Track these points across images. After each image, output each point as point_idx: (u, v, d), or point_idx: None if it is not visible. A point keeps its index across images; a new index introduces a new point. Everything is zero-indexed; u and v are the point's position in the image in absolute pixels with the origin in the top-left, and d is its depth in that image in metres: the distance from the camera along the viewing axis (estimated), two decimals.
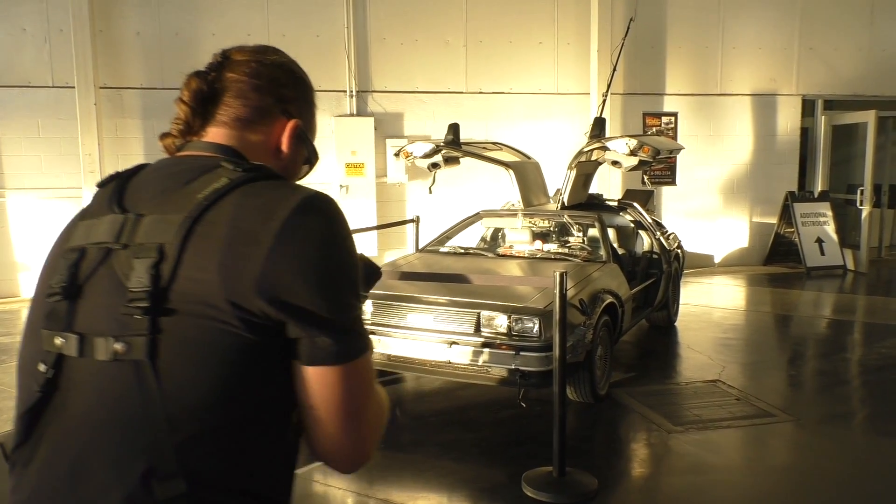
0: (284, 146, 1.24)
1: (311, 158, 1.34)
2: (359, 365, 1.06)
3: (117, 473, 0.97)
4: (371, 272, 1.25)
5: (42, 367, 1.04)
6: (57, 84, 8.52)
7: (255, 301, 0.99)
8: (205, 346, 0.98)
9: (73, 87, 8.38)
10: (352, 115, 9.29)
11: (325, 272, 1.03)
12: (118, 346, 0.99)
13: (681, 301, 7.36)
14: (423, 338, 4.61)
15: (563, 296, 3.65)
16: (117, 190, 1.13)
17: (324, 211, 1.07)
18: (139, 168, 1.18)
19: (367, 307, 4.83)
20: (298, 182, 1.28)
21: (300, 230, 1.03)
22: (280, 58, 1.28)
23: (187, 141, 1.20)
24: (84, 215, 1.15)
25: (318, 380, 1.04)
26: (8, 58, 8.44)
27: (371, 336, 4.41)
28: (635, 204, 6.97)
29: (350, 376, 1.05)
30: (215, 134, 1.19)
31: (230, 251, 1.00)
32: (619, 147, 5.86)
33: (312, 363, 1.03)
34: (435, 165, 6.64)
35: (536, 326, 4.38)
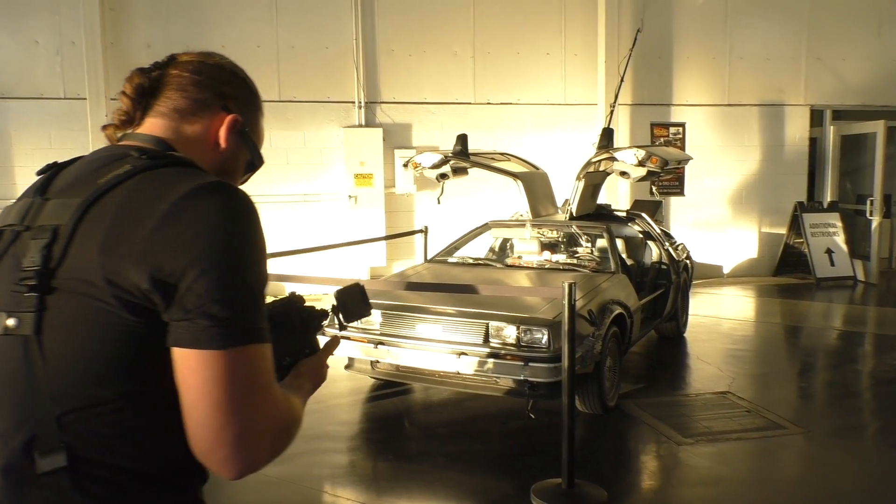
0: (222, 140, 1.24)
1: (254, 162, 1.33)
2: (236, 356, 0.99)
3: (1, 443, 1.04)
4: (309, 316, 1.26)
5: None
6: (69, 96, 8.59)
7: (130, 279, 0.99)
8: (84, 323, 1.01)
9: (85, 99, 8.45)
10: (360, 126, 9.33)
11: (207, 253, 0.99)
12: (10, 322, 1.04)
13: (690, 312, 7.33)
14: (431, 348, 4.61)
15: (571, 306, 3.64)
16: (48, 178, 1.17)
17: (220, 195, 1.04)
18: (76, 159, 1.22)
19: (377, 317, 4.84)
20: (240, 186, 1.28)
21: (188, 211, 1.01)
22: (224, 60, 1.30)
23: (127, 132, 1.23)
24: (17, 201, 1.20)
25: (181, 363, 1.00)
26: (20, 70, 8.53)
27: (380, 346, 4.35)
28: (644, 214, 6.96)
29: (220, 365, 0.98)
30: (152, 125, 1.22)
31: (113, 231, 1.02)
32: (628, 158, 5.86)
33: (175, 344, 1.00)
34: (443, 176, 6.66)
35: (545, 337, 4.37)
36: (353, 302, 1.45)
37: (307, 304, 1.31)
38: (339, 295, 1.45)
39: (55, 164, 1.21)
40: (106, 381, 1.01)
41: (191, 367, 0.99)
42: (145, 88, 1.23)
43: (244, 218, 1.05)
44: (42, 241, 1.05)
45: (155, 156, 1.12)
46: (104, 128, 1.26)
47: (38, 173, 1.21)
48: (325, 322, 1.34)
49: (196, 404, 0.99)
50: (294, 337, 1.26)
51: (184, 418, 1.01)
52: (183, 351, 0.99)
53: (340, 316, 1.44)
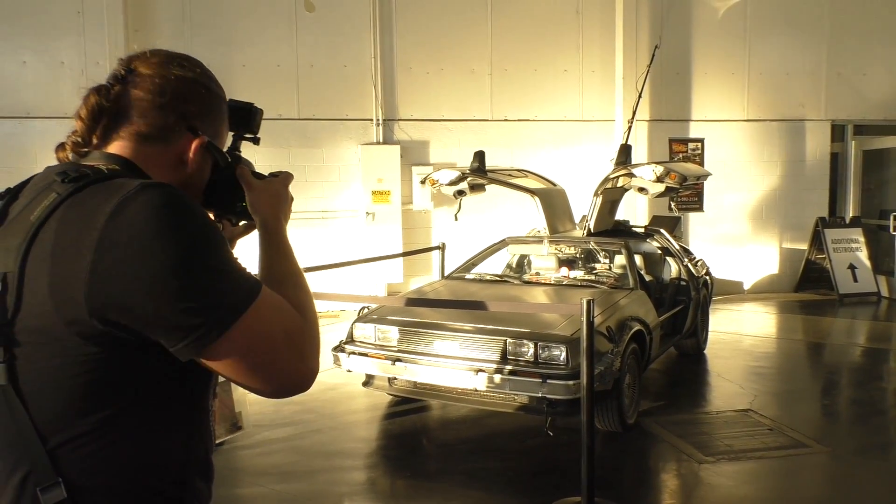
0: (189, 162, 1.22)
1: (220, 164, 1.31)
2: (238, 332, 1.02)
3: (2, 484, 1.05)
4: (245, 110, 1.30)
5: None
6: None
7: (87, 318, 0.99)
8: (54, 364, 1.02)
9: None
10: (378, 143, 9.39)
11: (154, 270, 0.98)
12: None
13: (710, 328, 7.26)
14: (449, 365, 4.60)
15: (590, 323, 3.62)
16: (2, 209, 1.12)
17: (143, 205, 1.01)
18: (29, 179, 1.18)
19: (394, 334, 4.84)
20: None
21: (119, 234, 0.99)
22: (186, 71, 1.23)
23: (82, 153, 1.18)
24: None
25: (212, 363, 1.05)
26: (46, 90, 8.69)
27: (398, 363, 4.36)
28: (662, 230, 6.92)
29: (230, 349, 1.03)
30: (114, 146, 1.18)
31: (56, 270, 1.00)
32: (646, 173, 5.85)
33: (196, 355, 1.03)
34: (461, 193, 6.68)
35: (563, 354, 4.35)
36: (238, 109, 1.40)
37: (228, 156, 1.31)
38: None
39: (7, 190, 1.17)
40: (88, 410, 1.03)
41: (213, 363, 1.05)
42: (104, 109, 1.17)
43: (175, 213, 1.03)
44: None
45: (74, 178, 1.07)
46: (57, 149, 1.19)
47: None
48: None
49: (241, 379, 1.08)
50: (228, 191, 1.31)
51: (247, 389, 1.11)
52: (203, 355, 1.04)
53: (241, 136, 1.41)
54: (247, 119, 1.38)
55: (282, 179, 1.36)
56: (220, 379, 1.18)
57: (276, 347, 1.08)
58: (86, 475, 1.04)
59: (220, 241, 1.07)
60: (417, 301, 5.20)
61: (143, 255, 0.99)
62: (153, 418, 1.07)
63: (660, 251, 6.70)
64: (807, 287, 10.48)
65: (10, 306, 1.02)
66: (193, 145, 1.21)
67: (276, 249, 1.25)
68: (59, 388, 1.03)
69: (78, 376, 1.02)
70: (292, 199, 1.38)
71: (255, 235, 1.38)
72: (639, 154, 9.36)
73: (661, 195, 6.28)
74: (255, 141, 1.41)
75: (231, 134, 1.36)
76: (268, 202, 1.31)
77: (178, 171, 1.21)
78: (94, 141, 1.18)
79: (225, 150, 1.30)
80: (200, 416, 1.17)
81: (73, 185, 1.06)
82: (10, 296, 1.03)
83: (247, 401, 4.62)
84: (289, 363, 1.09)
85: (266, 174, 1.37)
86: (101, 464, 1.04)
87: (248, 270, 1.10)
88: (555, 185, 7.14)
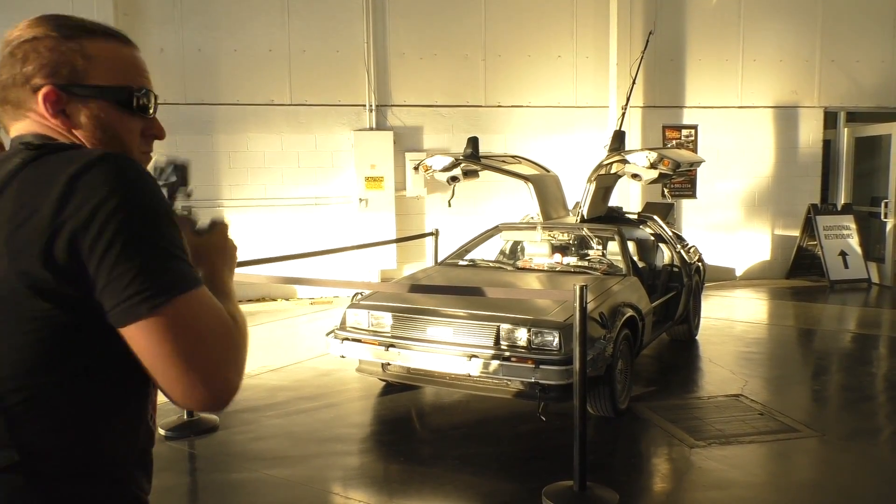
0: (48, 115, 1.15)
1: (132, 102, 1.20)
2: (169, 312, 1.02)
3: None
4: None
5: None
6: None
7: (39, 270, 1.01)
8: (8, 317, 1.04)
9: None
10: (371, 129, 9.35)
11: (105, 230, 1.00)
12: None
13: (702, 314, 7.30)
14: (442, 351, 4.61)
15: (583, 309, 3.63)
16: None
17: (105, 167, 1.04)
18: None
19: (388, 320, 4.85)
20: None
21: (79, 192, 1.01)
22: (24, 31, 1.15)
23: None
24: None
25: (130, 341, 1.04)
26: None
27: (391, 348, 4.35)
28: (655, 217, 6.93)
29: (158, 328, 1.02)
30: (21, 128, 1.18)
31: (14, 226, 1.03)
32: (639, 160, 5.84)
33: (117, 326, 1.03)
34: (454, 179, 6.66)
35: (556, 340, 4.37)
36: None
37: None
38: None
39: None
40: (40, 368, 1.05)
41: (136, 341, 1.04)
42: None
43: (135, 183, 1.05)
44: None
45: (41, 146, 1.11)
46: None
47: None
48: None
49: (156, 368, 1.05)
50: None
51: (159, 384, 1.07)
52: (125, 330, 1.03)
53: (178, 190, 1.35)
54: (182, 175, 1.33)
55: (220, 232, 1.34)
56: None
57: (202, 341, 1.06)
58: (37, 440, 1.05)
59: (173, 224, 1.08)
60: (411, 287, 5.20)
61: (100, 215, 1.01)
62: (102, 394, 1.09)
63: (653, 238, 6.72)
64: (798, 273, 10.54)
65: None
66: (40, 98, 1.14)
67: (220, 294, 1.22)
68: (13, 342, 1.04)
69: (29, 333, 1.03)
70: (235, 247, 1.37)
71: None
72: (632, 140, 9.35)
73: (654, 182, 6.28)
74: (188, 194, 1.36)
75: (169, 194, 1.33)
76: (210, 258, 1.30)
77: (74, 136, 1.17)
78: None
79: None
80: (144, 406, 1.18)
81: (37, 151, 1.09)
82: None
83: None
84: (211, 363, 1.06)
85: (206, 226, 1.34)
86: (50, 432, 1.06)
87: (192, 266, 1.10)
88: (548, 171, 7.13)
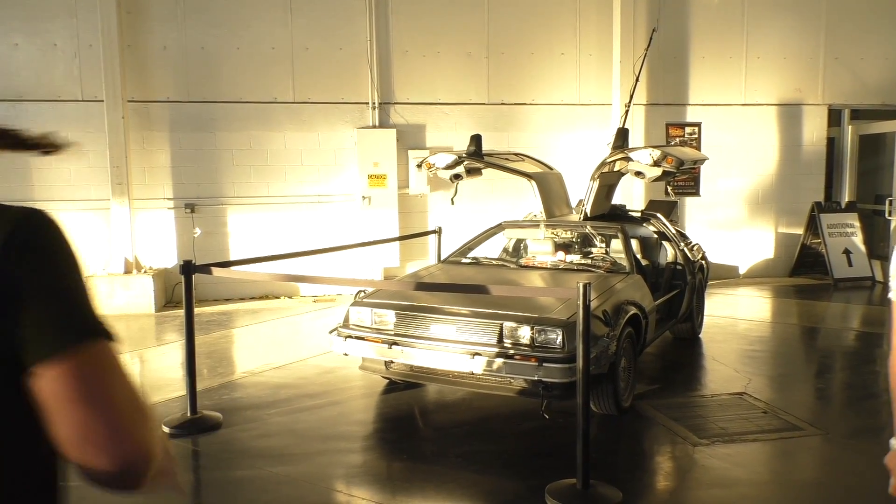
0: None
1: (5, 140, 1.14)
2: (94, 351, 1.01)
3: None
4: None
5: None
6: (86, 98, 8.68)
7: None
8: None
9: (102, 101, 8.53)
10: (374, 126, 9.35)
11: (39, 281, 1.00)
12: None
13: (705, 312, 7.28)
14: (445, 348, 4.61)
15: (586, 307, 3.63)
16: None
17: (36, 224, 1.04)
18: None
19: (391, 317, 4.85)
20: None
21: (12, 247, 0.99)
22: None
23: None
24: None
25: (51, 381, 0.98)
26: (39, 73, 8.63)
27: (394, 346, 4.32)
28: (659, 215, 6.92)
29: (83, 364, 0.99)
30: None
31: None
32: (643, 158, 5.83)
33: (43, 359, 0.98)
34: (457, 176, 6.66)
35: (559, 338, 4.36)
36: None
37: None
38: None
39: None
40: None
41: (52, 381, 0.98)
42: None
43: (61, 237, 1.05)
44: None
45: None
46: None
47: None
48: None
49: (66, 411, 0.98)
50: None
51: (61, 446, 0.99)
52: (30, 381, 0.99)
53: None
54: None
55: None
56: None
57: (115, 388, 1.02)
58: None
59: (86, 278, 1.08)
60: (414, 285, 5.20)
61: (32, 264, 1.00)
62: (24, 452, 1.04)
63: (656, 235, 6.71)
64: (802, 271, 10.52)
65: None
66: None
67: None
68: None
69: None
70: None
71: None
72: (636, 138, 9.35)
73: (657, 179, 6.26)
74: None
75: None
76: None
77: None
78: None
79: None
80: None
81: None
82: None
83: None
84: (124, 413, 1.00)
85: None
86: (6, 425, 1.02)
87: None
88: (551, 168, 7.13)
